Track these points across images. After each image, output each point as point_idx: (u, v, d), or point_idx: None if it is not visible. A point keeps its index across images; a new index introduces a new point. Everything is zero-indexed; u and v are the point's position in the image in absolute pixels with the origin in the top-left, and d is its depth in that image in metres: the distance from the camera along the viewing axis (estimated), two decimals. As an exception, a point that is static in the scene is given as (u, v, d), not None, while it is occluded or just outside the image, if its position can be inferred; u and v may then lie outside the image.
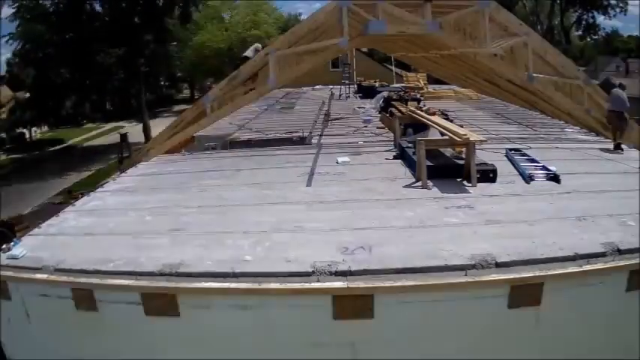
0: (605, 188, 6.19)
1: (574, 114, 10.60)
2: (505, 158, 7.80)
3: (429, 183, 6.50)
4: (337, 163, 7.97)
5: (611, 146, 8.65)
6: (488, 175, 6.66)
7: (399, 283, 4.04)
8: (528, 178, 6.42)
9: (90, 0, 30.95)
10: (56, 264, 4.48)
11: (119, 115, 43.39)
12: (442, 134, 7.63)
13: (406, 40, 14.19)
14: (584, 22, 44.24)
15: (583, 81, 9.84)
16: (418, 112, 9.77)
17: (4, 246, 4.89)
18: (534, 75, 9.60)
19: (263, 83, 9.52)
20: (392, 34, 9.28)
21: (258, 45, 13.19)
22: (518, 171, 6.83)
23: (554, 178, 6.45)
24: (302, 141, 10.47)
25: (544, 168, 6.83)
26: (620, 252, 4.32)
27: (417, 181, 6.65)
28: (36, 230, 5.61)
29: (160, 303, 4.19)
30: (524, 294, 4.12)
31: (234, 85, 9.63)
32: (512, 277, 4.09)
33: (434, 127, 8.20)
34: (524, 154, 7.79)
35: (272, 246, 4.71)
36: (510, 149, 8.11)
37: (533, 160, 7.34)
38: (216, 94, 9.78)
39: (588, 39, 47.25)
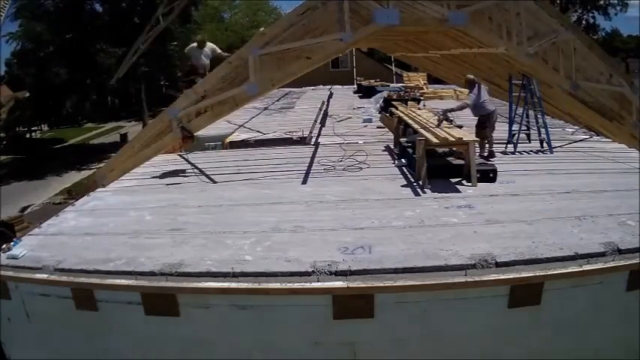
0: (605, 188, 6.19)
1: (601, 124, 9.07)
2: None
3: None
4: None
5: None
6: (488, 175, 6.66)
7: (398, 283, 4.04)
8: None
9: (90, 0, 31.03)
10: (56, 264, 4.48)
11: (119, 115, 43.41)
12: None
13: (406, 40, 14.15)
14: (584, 22, 44.15)
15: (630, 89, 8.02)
16: (414, 111, 9.73)
17: (4, 246, 4.89)
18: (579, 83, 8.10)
19: (242, 90, 7.49)
20: (405, 27, 7.68)
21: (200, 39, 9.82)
22: None
23: None
24: (302, 141, 10.47)
25: None
26: (620, 252, 4.32)
27: (417, 180, 6.65)
28: (36, 230, 5.62)
29: (160, 303, 4.19)
30: (524, 294, 4.12)
31: (206, 91, 7.55)
32: (512, 277, 4.09)
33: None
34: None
35: (272, 246, 4.70)
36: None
37: None
38: (185, 104, 7.57)
39: (588, 39, 47.24)
